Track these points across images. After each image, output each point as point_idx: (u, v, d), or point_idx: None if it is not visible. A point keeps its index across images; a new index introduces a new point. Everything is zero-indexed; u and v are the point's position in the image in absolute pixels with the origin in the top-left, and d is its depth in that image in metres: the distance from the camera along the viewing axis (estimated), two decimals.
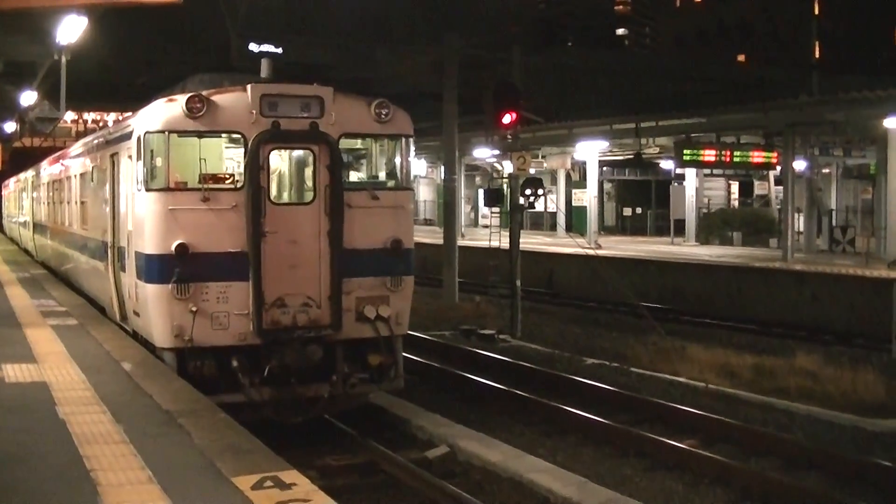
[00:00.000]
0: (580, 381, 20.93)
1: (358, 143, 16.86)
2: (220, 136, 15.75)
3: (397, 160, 16.55)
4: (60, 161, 28.51)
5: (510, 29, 50.44)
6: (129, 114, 19.04)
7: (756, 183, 59.90)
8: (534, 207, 33.74)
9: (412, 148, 16.73)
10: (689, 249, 46.34)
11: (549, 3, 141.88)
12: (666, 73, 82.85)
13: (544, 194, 32.58)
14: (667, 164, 55.45)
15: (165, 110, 15.07)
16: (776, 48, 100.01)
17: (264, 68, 16.29)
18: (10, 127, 46.89)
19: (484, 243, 35.79)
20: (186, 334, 14.61)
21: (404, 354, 16.89)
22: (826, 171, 50.90)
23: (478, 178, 71.75)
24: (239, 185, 15.12)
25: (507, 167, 35.41)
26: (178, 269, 14.60)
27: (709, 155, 41.78)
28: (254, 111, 15.05)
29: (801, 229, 44.90)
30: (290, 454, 10.22)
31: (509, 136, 30.66)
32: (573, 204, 59.83)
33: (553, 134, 50.26)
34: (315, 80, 16.02)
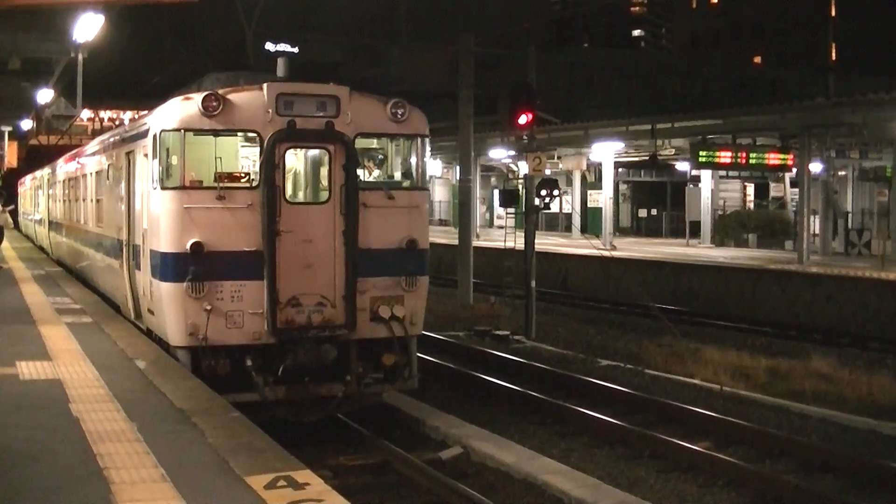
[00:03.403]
0: (594, 382, 20.89)
1: (374, 143, 16.84)
2: (236, 135, 15.75)
3: (413, 160, 16.53)
4: (76, 159, 28.56)
5: (524, 28, 50.47)
6: (146, 112, 19.07)
7: (772, 185, 59.65)
8: (549, 208, 33.62)
9: (428, 148, 16.71)
10: (704, 251, 46.23)
11: (564, 4, 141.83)
12: (681, 73, 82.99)
13: (560, 195, 32.50)
14: (682, 166, 55.30)
15: (181, 109, 15.08)
16: (792, 48, 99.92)
17: (280, 68, 16.28)
18: (27, 124, 47.08)
19: (499, 244, 35.77)
20: (201, 333, 14.62)
21: (418, 354, 16.87)
22: (842, 173, 50.71)
23: (493, 179, 71.68)
24: (254, 183, 15.13)
25: (523, 168, 35.40)
26: (193, 267, 14.61)
27: (724, 157, 41.68)
28: (270, 110, 15.06)
29: (817, 232, 44.76)
30: (304, 453, 10.23)
31: (525, 137, 30.62)
32: (588, 205, 59.74)
33: (569, 135, 50.16)
34: (331, 80, 16.02)
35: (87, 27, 22.02)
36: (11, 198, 62.83)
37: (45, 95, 33.73)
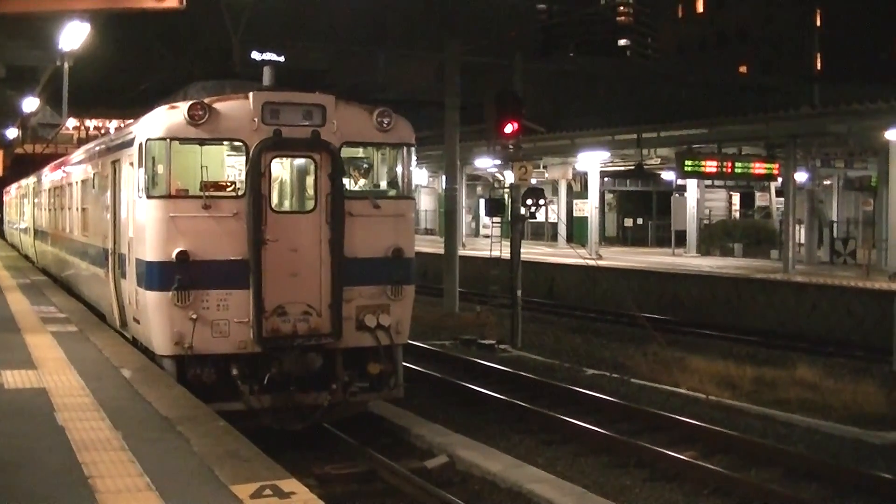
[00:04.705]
0: (580, 391, 20.91)
1: (360, 152, 16.84)
2: (222, 144, 15.75)
3: (399, 169, 16.55)
4: (62, 167, 28.53)
5: (510, 36, 50.65)
6: (131, 121, 19.05)
7: (757, 194, 59.84)
8: (535, 217, 33.64)
9: (414, 157, 16.72)
10: (690, 260, 46.30)
11: (550, 13, 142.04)
12: (666, 81, 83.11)
13: (545, 204, 32.50)
14: (668, 175, 55.44)
15: (167, 117, 15.08)
16: (778, 56, 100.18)
17: (266, 76, 16.28)
18: (12, 133, 46.95)
19: (485, 253, 35.75)
20: (186, 342, 14.61)
21: (404, 363, 16.87)
22: (827, 182, 50.87)
23: (479, 188, 71.72)
24: (240, 192, 15.13)
25: (509, 177, 35.39)
26: (179, 276, 14.60)
27: (710, 166, 41.69)
28: (256, 119, 15.06)
29: (803, 241, 44.86)
30: (289, 462, 10.22)
31: (511, 146, 30.63)
32: (574, 214, 59.81)
33: (555, 144, 50.28)
34: (317, 88, 16.04)
35: (74, 35, 21.95)
36: None
37: (30, 104, 33.63)
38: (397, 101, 20.11)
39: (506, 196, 33.16)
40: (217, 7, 37.00)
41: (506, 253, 30.45)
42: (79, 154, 25.49)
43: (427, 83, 67.90)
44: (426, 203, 75.08)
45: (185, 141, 15.10)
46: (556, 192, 58.74)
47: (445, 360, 25.40)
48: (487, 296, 35.18)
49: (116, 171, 17.82)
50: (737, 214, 61.82)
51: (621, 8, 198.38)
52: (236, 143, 15.40)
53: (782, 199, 44.94)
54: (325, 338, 15.35)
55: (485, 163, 55.93)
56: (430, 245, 48.06)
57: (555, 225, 58.81)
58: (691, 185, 50.14)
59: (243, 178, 15.20)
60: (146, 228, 15.12)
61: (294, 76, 16.57)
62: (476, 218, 72.34)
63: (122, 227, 17.18)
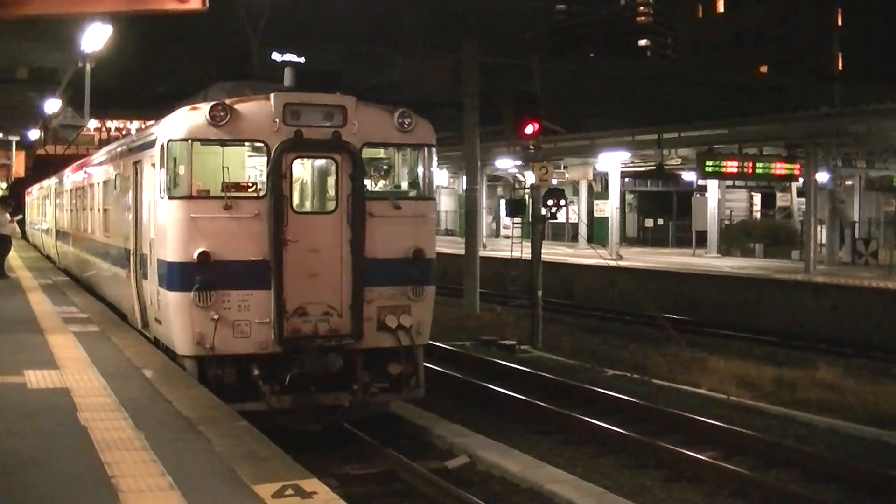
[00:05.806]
0: (600, 391, 20.91)
1: (380, 153, 16.87)
2: (243, 145, 15.79)
3: (420, 170, 16.57)
4: (83, 168, 28.63)
5: (526, 37, 50.50)
6: (153, 122, 19.12)
7: (778, 194, 59.66)
8: (555, 218, 33.64)
9: (434, 158, 16.74)
10: (710, 261, 46.20)
11: (569, 13, 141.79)
12: (684, 82, 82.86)
13: (566, 205, 32.48)
14: (689, 176, 55.29)
15: (189, 118, 15.13)
16: (797, 56, 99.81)
17: (287, 77, 16.32)
18: (34, 134, 47.10)
19: (505, 254, 35.82)
20: (207, 342, 14.65)
21: (424, 364, 16.88)
22: (849, 182, 50.63)
23: (499, 189, 71.65)
24: (261, 193, 15.18)
25: (529, 178, 35.36)
26: (200, 276, 14.65)
27: (731, 166, 41.62)
28: (277, 120, 15.10)
29: (824, 241, 44.73)
30: (309, 462, 10.25)
31: (531, 147, 30.61)
32: (595, 215, 59.77)
33: (575, 145, 50.21)
34: (337, 89, 16.09)
35: (96, 37, 22.03)
36: (19, 207, 63.06)
37: (52, 105, 33.72)
38: (414, 102, 20.09)
39: (526, 197, 33.12)
40: (233, 9, 37.08)
41: (526, 253, 30.45)
42: (100, 155, 25.59)
43: (444, 84, 67.84)
44: (446, 204, 75.05)
45: (206, 142, 15.16)
46: (576, 192, 58.67)
47: (465, 360, 25.40)
48: (507, 296, 35.21)
49: (138, 172, 17.89)
50: (758, 215, 61.64)
51: (641, 8, 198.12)
52: (257, 144, 15.45)
53: (803, 199, 44.81)
54: (346, 338, 15.39)
55: (505, 163, 55.93)
56: (451, 246, 48.05)
57: (575, 225, 58.86)
58: (712, 185, 50.01)
59: (264, 178, 15.25)
60: (167, 229, 15.18)
61: (309, 78, 16.58)
62: (496, 219, 72.30)
63: (143, 228, 17.24)
